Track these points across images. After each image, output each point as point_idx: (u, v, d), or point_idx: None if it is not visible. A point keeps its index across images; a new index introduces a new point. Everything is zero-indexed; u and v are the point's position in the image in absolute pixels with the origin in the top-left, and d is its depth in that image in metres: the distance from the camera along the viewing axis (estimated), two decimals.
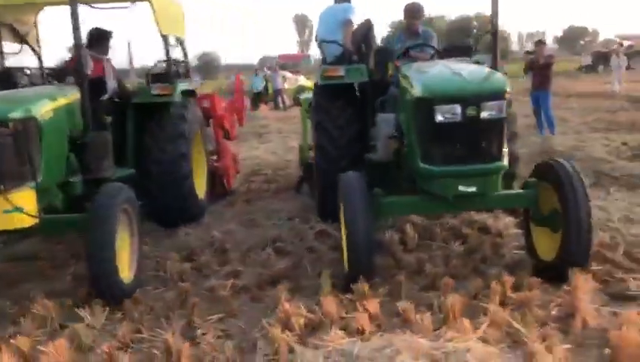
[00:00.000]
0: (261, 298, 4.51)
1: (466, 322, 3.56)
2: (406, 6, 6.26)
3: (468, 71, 4.51)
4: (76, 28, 4.89)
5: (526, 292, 4.07)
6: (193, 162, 6.63)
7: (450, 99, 4.18)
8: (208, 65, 60.59)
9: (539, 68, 11.85)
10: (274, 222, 6.56)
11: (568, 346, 3.35)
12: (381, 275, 4.57)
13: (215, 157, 8.11)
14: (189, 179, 6.37)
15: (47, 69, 6.68)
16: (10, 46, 6.70)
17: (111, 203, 4.45)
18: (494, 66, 5.05)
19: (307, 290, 4.53)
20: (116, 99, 6.33)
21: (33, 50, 6.80)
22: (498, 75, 4.47)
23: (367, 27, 6.73)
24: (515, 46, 77.16)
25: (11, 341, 3.67)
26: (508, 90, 4.25)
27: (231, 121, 8.59)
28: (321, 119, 6.08)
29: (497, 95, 4.21)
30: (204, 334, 3.85)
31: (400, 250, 5.27)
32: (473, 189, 4.25)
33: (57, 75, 6.20)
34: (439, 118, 4.17)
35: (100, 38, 6.48)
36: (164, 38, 6.52)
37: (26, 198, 4.28)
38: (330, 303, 3.94)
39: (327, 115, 6.05)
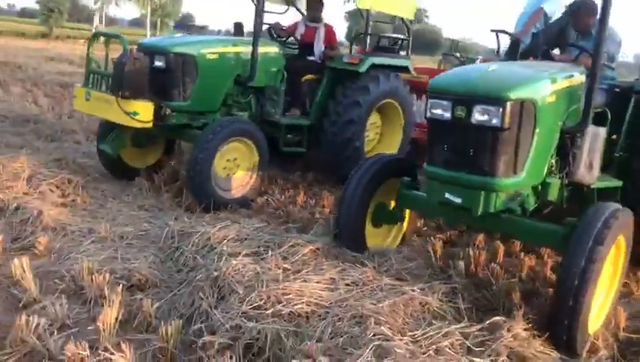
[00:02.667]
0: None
1: None
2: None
3: (505, 71, 3.96)
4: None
5: None
6: (376, 129, 7.39)
7: (441, 94, 3.78)
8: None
9: None
10: None
11: None
12: None
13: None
14: (353, 142, 6.79)
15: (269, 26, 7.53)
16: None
17: (215, 131, 5.64)
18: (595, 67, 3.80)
19: None
20: (318, 61, 7.22)
21: (298, 9, 7.98)
22: (518, 78, 3.76)
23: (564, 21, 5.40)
24: None
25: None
26: (513, 96, 3.56)
27: None
28: None
29: (492, 99, 3.57)
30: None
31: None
32: (459, 201, 3.80)
33: (272, 34, 7.37)
34: (428, 113, 3.84)
35: (311, 5, 7.47)
36: (366, 13, 7.25)
37: (142, 108, 5.60)
38: None
39: None
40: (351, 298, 3.58)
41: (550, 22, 5.42)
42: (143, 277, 4.02)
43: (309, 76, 7.14)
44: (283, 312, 3.36)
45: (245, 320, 3.25)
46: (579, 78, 4.14)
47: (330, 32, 7.36)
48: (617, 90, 4.98)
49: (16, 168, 5.80)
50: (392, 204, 4.67)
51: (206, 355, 3.10)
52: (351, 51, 7.41)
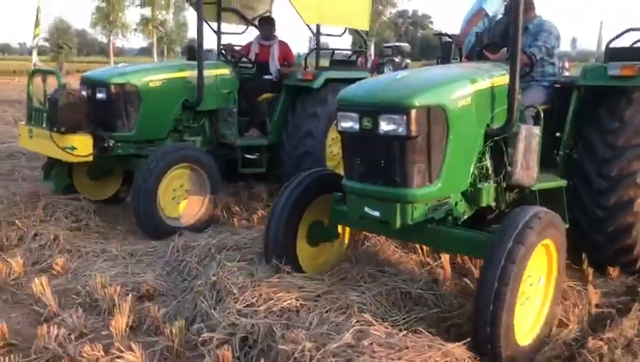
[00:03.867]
0: None
1: None
2: None
3: (414, 77, 3.79)
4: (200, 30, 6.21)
5: None
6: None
7: (348, 106, 3.64)
8: None
9: None
10: None
11: None
12: None
13: None
14: (312, 155, 6.64)
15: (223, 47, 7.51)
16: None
17: (157, 159, 5.57)
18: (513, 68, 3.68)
19: None
20: (274, 79, 7.18)
21: (257, 28, 7.80)
22: (425, 84, 3.60)
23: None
24: None
25: None
26: (418, 103, 3.39)
27: None
28: None
29: (396, 108, 3.41)
30: None
31: None
32: (377, 214, 3.62)
33: (225, 56, 7.26)
34: (339, 126, 3.69)
35: (262, 23, 7.56)
36: (316, 28, 6.93)
37: (80, 141, 5.59)
38: None
39: None
40: (336, 290, 3.94)
41: (496, 21, 5.19)
42: (151, 288, 4.44)
43: (265, 95, 7.07)
44: (274, 309, 3.73)
45: (240, 317, 3.63)
46: (507, 76, 3.82)
47: (284, 48, 7.36)
48: (558, 85, 4.87)
49: (33, 199, 6.28)
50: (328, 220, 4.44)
51: (207, 350, 3.48)
52: (305, 67, 7.21)
